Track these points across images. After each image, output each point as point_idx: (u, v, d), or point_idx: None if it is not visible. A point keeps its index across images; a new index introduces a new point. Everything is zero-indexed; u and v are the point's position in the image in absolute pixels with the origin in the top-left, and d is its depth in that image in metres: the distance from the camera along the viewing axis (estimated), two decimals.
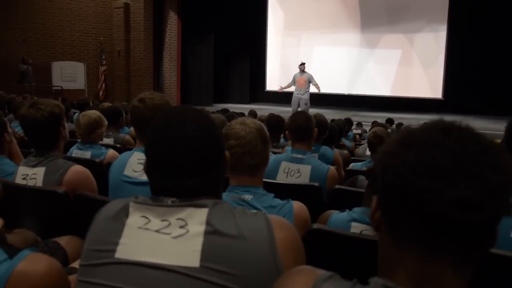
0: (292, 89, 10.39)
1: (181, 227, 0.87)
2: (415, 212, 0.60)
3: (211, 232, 0.86)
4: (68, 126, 2.16)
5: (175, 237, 0.86)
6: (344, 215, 1.58)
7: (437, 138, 0.62)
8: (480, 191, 0.57)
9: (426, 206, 0.59)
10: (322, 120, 3.27)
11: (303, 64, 10.30)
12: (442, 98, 13.76)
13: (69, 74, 12.69)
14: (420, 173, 0.59)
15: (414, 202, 0.60)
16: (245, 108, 10.95)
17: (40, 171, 1.90)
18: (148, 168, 0.97)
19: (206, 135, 0.96)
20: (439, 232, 0.60)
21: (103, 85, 12.88)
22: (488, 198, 0.57)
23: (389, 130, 3.47)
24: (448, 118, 0.66)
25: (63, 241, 1.74)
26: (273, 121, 3.73)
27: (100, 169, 2.47)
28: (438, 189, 0.58)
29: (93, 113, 3.10)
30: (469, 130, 0.63)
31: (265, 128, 1.59)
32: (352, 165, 3.35)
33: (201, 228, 0.86)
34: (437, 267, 0.61)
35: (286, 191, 2.01)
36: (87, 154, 2.92)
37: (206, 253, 0.84)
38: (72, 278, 0.98)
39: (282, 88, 10.69)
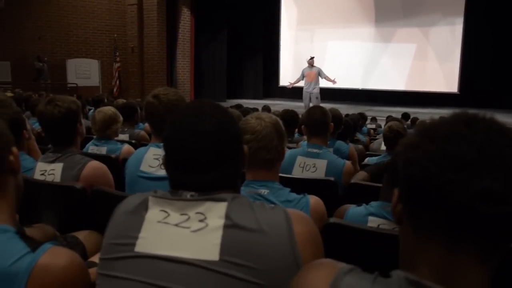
0: (302, 84, 10.32)
1: (200, 221, 0.88)
2: (439, 204, 0.59)
3: (230, 225, 0.86)
4: (84, 122, 2.18)
5: (194, 231, 0.87)
6: (361, 209, 1.58)
7: (461, 129, 0.61)
8: (505, 184, 0.56)
9: (450, 198, 0.58)
10: (337, 114, 3.25)
11: (312, 58, 10.20)
12: (458, 92, 13.58)
13: (84, 71, 12.83)
14: (444, 166, 0.59)
15: (438, 195, 0.59)
16: (258, 103, 10.94)
17: (58, 167, 1.92)
18: (167, 162, 0.98)
19: (225, 129, 0.96)
20: (463, 225, 0.59)
21: (117, 82, 12.99)
22: None
23: (404, 126, 3.43)
24: (470, 111, 0.65)
25: (81, 235, 1.76)
26: (288, 116, 3.72)
27: (116, 164, 2.49)
28: (463, 181, 0.57)
29: (109, 109, 3.13)
30: (494, 121, 0.62)
31: (281, 123, 1.59)
32: (367, 160, 3.33)
33: (220, 222, 0.87)
34: (461, 260, 0.61)
35: (301, 186, 2.00)
36: (103, 150, 2.95)
37: (225, 246, 0.84)
38: (91, 271, 0.99)
39: (291, 83, 10.62)
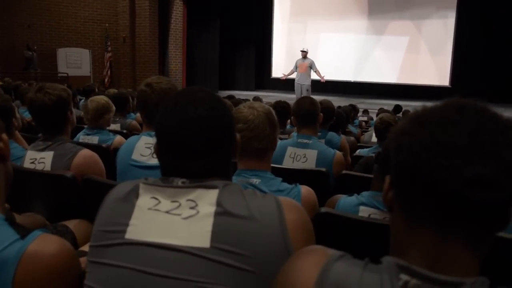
0: (295, 75, 10.32)
1: (191, 208, 0.87)
2: (430, 191, 0.60)
3: (221, 213, 0.86)
4: (74, 111, 2.16)
5: (185, 218, 0.86)
6: (352, 199, 1.59)
7: (453, 116, 0.61)
8: (497, 170, 0.57)
9: (441, 184, 0.58)
10: (329, 106, 3.26)
11: (304, 50, 10.16)
12: (450, 86, 13.65)
13: (74, 61, 12.69)
14: (436, 151, 0.59)
15: (429, 181, 0.59)
16: (250, 95, 10.92)
17: (48, 155, 1.90)
18: (159, 149, 0.97)
19: (218, 116, 0.96)
20: (453, 211, 0.59)
21: (109, 72, 12.88)
22: (505, 177, 0.57)
23: (396, 118, 3.44)
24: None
25: (72, 224, 1.75)
26: (280, 107, 3.72)
27: (107, 154, 2.48)
28: (454, 168, 0.57)
29: (102, 98, 3.11)
30: (486, 109, 0.62)
31: (273, 112, 1.59)
32: (358, 151, 3.34)
33: (211, 209, 0.87)
34: (451, 246, 0.61)
35: (292, 176, 2.01)
36: (94, 139, 2.93)
37: (216, 233, 0.84)
38: (82, 260, 0.99)
39: (285, 75, 10.61)
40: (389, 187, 0.69)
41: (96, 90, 6.68)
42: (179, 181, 0.91)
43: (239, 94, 11.34)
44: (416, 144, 0.61)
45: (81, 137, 3.00)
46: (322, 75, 10.04)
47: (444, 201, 0.59)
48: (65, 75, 12.13)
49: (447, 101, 0.65)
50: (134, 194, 0.92)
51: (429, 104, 0.66)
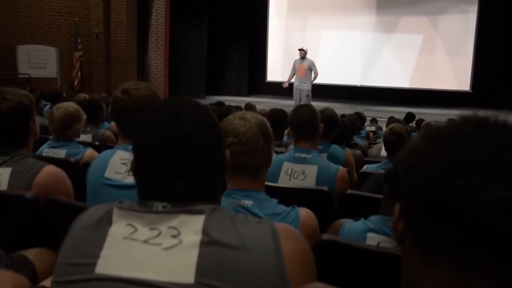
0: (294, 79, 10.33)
1: (173, 236, 0.87)
2: (447, 218, 0.59)
3: (208, 242, 0.86)
4: (38, 120, 2.15)
5: (166, 249, 0.86)
6: (359, 224, 1.58)
7: (471, 132, 0.61)
8: None
9: (459, 209, 0.58)
10: (332, 115, 3.27)
11: (302, 49, 10.13)
12: (470, 91, 13.80)
13: (38, 60, 12.63)
14: (452, 172, 0.59)
15: (445, 206, 0.59)
16: (242, 101, 10.95)
17: (5, 172, 1.89)
18: (136, 167, 0.97)
19: (204, 130, 0.96)
20: (474, 241, 0.59)
21: (79, 73, 12.85)
22: None
23: (408, 128, 3.47)
24: (480, 113, 0.66)
25: (32, 254, 1.73)
26: (276, 116, 3.73)
27: (76, 170, 2.46)
28: (474, 190, 0.57)
29: (70, 105, 3.10)
30: (507, 125, 0.63)
31: (268, 124, 1.59)
32: (366, 167, 3.35)
33: (197, 237, 0.86)
34: (472, 283, 0.60)
35: (289, 196, 2.01)
36: (61, 153, 2.92)
37: (202, 266, 0.84)
38: None
39: (286, 82, 10.44)
40: (400, 216, 0.69)
41: (64, 94, 6.67)
42: (159, 205, 0.91)
43: (229, 100, 11.38)
44: (429, 163, 0.61)
45: (45, 150, 2.98)
46: (314, 79, 10.01)
47: (463, 228, 0.58)
48: (27, 76, 12.06)
49: (463, 116, 0.66)
50: (106, 221, 0.92)
51: (447, 112, 0.66)
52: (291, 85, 10.38)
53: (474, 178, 0.57)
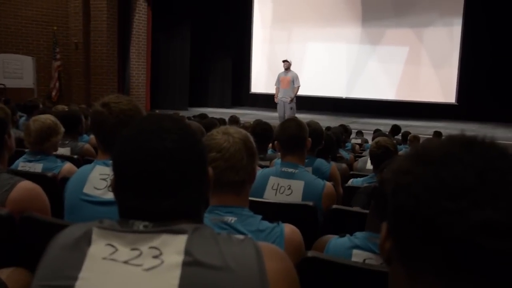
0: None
1: (155, 257, 0.87)
2: (434, 239, 0.60)
3: (190, 263, 0.86)
4: (13, 133, 2.13)
5: (147, 270, 0.86)
6: (344, 240, 1.60)
7: (458, 153, 0.63)
8: (510, 214, 0.58)
9: (446, 231, 0.59)
10: (317, 128, 3.29)
11: (286, 61, 10.23)
12: (456, 103, 14.00)
13: (14, 70, 12.48)
14: (439, 193, 0.60)
15: (432, 227, 0.60)
16: (226, 112, 10.98)
17: None
18: (116, 185, 0.97)
19: (187, 148, 0.96)
20: (461, 262, 0.59)
21: (57, 84, 12.74)
22: None
23: (394, 141, 3.51)
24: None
25: (5, 274, 1.70)
26: (260, 129, 3.74)
27: (53, 185, 2.44)
28: (461, 211, 0.58)
29: (47, 118, 3.07)
30: (495, 145, 0.64)
31: (251, 139, 1.60)
32: (351, 181, 3.37)
33: (179, 258, 0.86)
34: None
35: (274, 212, 2.02)
36: (37, 167, 2.88)
37: None
38: None
39: (276, 97, 10.48)
40: (387, 235, 0.69)
41: (41, 106, 6.62)
42: (140, 225, 0.91)
43: (213, 112, 11.38)
44: (416, 184, 0.62)
45: (21, 164, 2.94)
46: (295, 93, 10.10)
47: (450, 250, 0.59)
48: (2, 86, 11.89)
49: (450, 136, 0.67)
50: (85, 241, 0.91)
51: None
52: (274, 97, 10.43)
53: (461, 199, 0.59)
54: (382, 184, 0.63)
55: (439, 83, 14.19)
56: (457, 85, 13.99)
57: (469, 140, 0.65)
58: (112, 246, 0.89)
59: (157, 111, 10.26)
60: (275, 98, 10.54)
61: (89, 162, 2.13)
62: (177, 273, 0.85)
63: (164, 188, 0.93)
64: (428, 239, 0.61)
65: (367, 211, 1.88)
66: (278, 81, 10.32)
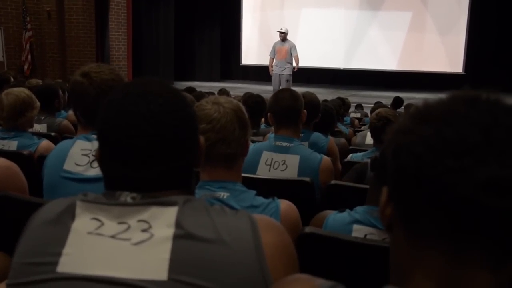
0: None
1: (144, 230, 0.88)
2: (437, 199, 0.61)
3: (181, 236, 0.87)
4: None
5: (136, 244, 0.87)
6: (344, 215, 1.62)
7: (462, 110, 0.64)
8: None
9: (450, 190, 0.60)
10: (313, 100, 3.29)
11: (282, 32, 10.17)
12: (464, 73, 14.00)
13: None
14: (442, 151, 0.61)
15: (435, 187, 0.61)
16: (215, 86, 10.94)
17: None
18: (101, 155, 0.97)
19: (175, 112, 0.96)
20: (466, 223, 0.61)
21: (29, 57, 12.58)
22: None
23: (396, 113, 3.52)
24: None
25: None
26: (252, 102, 3.74)
27: (30, 163, 2.44)
28: (465, 169, 0.59)
29: (21, 91, 3.05)
30: (500, 101, 0.65)
31: (244, 109, 1.61)
32: (350, 156, 3.39)
33: (169, 231, 0.87)
34: (465, 268, 0.62)
35: (269, 188, 2.04)
36: (12, 145, 2.88)
37: (176, 262, 0.85)
38: None
39: (271, 68, 10.41)
40: (387, 200, 0.70)
41: (13, 80, 6.54)
42: (127, 197, 0.91)
43: (201, 85, 11.34)
44: (418, 143, 0.63)
45: None
46: (296, 63, 10.07)
47: (454, 210, 0.60)
48: None
49: (454, 92, 0.68)
50: (69, 215, 0.92)
51: (438, 96, 0.68)
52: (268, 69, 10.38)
53: (465, 158, 0.60)
54: (383, 153, 0.63)
55: (445, 52, 14.17)
56: (464, 53, 13.97)
57: (473, 97, 0.66)
58: (98, 220, 0.90)
59: None
60: (269, 70, 10.48)
61: (68, 139, 2.13)
62: (167, 247, 0.86)
63: (152, 155, 0.93)
64: (431, 200, 0.62)
65: (366, 186, 1.90)
66: (274, 51, 10.23)
